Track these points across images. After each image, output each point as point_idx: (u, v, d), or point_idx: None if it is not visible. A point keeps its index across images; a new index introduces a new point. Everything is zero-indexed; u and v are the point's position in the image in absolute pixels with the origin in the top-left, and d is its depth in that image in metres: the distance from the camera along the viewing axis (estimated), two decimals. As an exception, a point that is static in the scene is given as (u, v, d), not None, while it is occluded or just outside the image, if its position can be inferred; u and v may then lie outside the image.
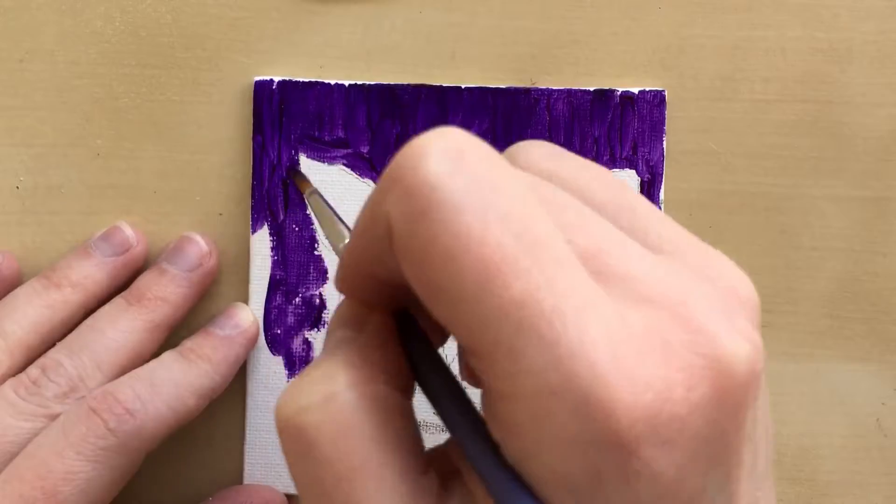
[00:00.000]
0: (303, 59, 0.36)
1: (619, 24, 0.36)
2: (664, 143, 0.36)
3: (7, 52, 0.36)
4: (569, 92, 0.36)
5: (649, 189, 0.36)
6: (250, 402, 0.36)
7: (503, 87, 0.36)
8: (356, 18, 0.36)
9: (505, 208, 0.17)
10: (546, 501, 0.18)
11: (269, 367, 0.36)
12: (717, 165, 0.36)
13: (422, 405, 0.20)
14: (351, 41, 0.36)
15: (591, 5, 0.36)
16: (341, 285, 0.21)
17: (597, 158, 0.36)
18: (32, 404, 0.31)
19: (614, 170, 0.36)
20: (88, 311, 0.34)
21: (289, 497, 0.36)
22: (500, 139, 0.36)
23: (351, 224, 0.30)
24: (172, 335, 0.35)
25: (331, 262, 0.36)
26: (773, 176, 0.36)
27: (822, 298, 0.36)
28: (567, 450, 0.17)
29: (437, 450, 0.21)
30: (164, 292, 0.34)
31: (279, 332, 0.36)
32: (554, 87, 0.36)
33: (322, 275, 0.36)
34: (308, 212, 0.36)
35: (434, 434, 0.35)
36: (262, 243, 0.36)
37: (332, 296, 0.36)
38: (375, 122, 0.36)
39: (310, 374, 0.19)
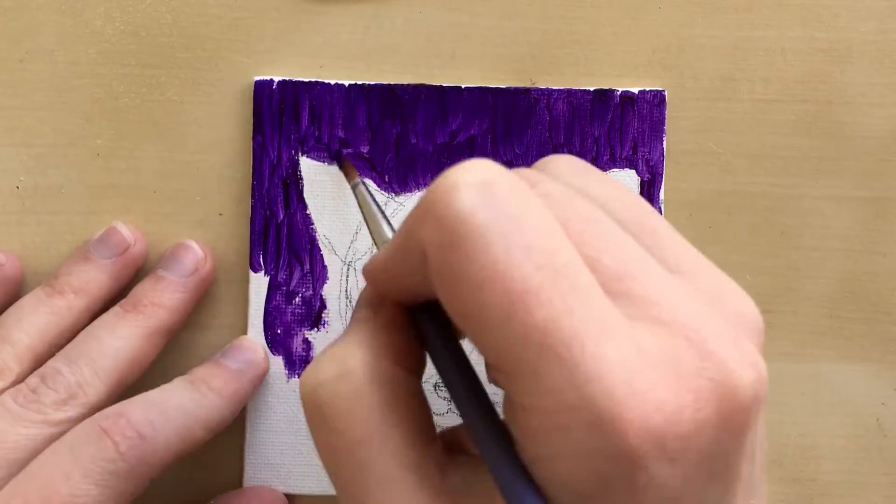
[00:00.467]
0: (303, 59, 0.36)
1: (619, 24, 0.36)
2: (664, 143, 0.36)
3: (7, 52, 0.36)
4: (569, 92, 0.36)
5: (649, 189, 0.36)
6: (250, 402, 0.36)
7: (503, 87, 0.36)
8: (356, 18, 0.36)
9: (529, 240, 0.18)
10: (553, 502, 0.19)
11: (269, 367, 0.36)
12: (717, 165, 0.36)
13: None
14: (351, 41, 0.36)
15: (591, 5, 0.36)
16: (370, 278, 0.23)
17: (597, 158, 0.36)
18: (31, 411, 0.31)
19: (614, 170, 0.36)
20: (94, 314, 0.34)
21: (289, 497, 0.36)
22: (500, 139, 0.36)
23: (392, 221, 0.32)
24: (172, 341, 0.35)
25: (331, 262, 0.36)
26: (773, 176, 0.36)
27: (822, 298, 0.36)
28: (580, 460, 0.18)
29: (449, 429, 0.23)
30: (160, 298, 0.34)
31: (279, 332, 0.36)
32: (554, 87, 0.36)
33: (322, 275, 0.36)
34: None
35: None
36: (262, 243, 0.36)
37: (331, 296, 0.36)
38: (375, 122, 0.36)
39: (328, 352, 0.22)
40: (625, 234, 0.21)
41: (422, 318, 0.22)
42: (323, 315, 0.36)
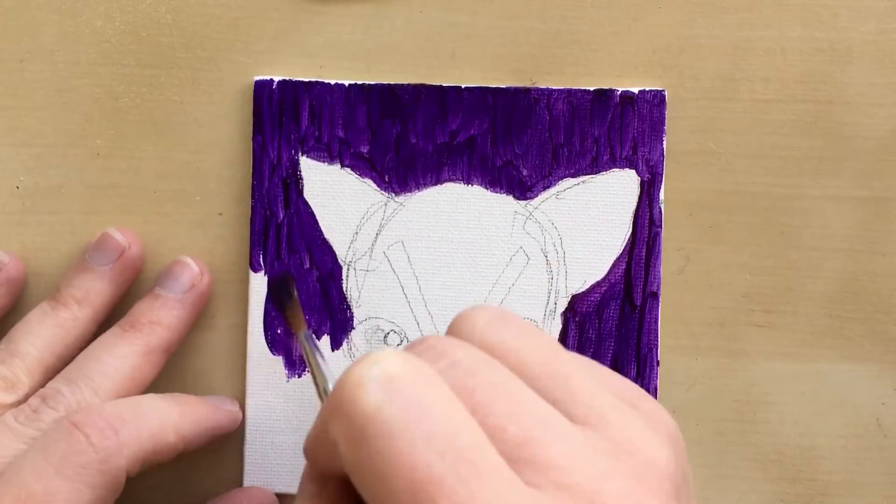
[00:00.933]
0: (303, 59, 0.36)
1: (619, 24, 0.36)
2: (664, 143, 0.36)
3: (7, 52, 0.36)
4: (569, 92, 0.36)
5: (649, 189, 0.36)
6: (250, 402, 0.36)
7: (503, 87, 0.36)
8: (356, 18, 0.36)
9: (431, 428, 0.19)
10: None
11: (269, 368, 0.36)
12: (717, 165, 0.36)
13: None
14: (351, 41, 0.36)
15: (591, 5, 0.36)
16: (306, 456, 0.23)
17: (597, 158, 0.36)
18: (30, 429, 0.32)
19: (614, 169, 0.36)
20: (99, 323, 0.35)
21: (280, 497, 0.36)
22: (500, 139, 0.36)
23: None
24: (171, 358, 0.35)
25: (330, 262, 0.36)
26: (773, 176, 0.36)
27: (822, 298, 0.36)
28: None
29: None
30: (157, 316, 0.35)
31: (279, 332, 0.36)
32: (554, 87, 0.36)
33: (322, 275, 0.36)
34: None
35: None
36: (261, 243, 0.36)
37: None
38: (375, 122, 0.36)
39: None
40: (532, 394, 0.21)
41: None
42: (323, 315, 0.36)
